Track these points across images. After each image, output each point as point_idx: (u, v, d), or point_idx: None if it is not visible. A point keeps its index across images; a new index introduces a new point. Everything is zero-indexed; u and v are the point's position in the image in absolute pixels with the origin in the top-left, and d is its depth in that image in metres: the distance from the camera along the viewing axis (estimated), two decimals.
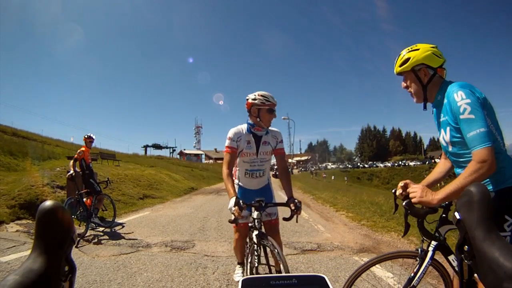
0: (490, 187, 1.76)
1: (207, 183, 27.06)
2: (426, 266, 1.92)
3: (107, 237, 6.04)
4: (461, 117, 1.64)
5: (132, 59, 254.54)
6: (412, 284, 1.91)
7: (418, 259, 1.95)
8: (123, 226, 7.13)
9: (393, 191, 2.04)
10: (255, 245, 2.46)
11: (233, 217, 2.36)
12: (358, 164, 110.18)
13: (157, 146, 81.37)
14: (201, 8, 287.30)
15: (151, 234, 6.34)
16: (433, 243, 1.94)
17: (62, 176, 10.48)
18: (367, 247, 5.08)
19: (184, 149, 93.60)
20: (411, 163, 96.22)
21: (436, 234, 1.95)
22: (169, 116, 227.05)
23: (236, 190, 2.81)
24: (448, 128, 1.79)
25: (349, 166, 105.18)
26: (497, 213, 1.72)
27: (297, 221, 2.62)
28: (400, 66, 1.92)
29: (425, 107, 1.95)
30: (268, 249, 2.56)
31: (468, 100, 1.63)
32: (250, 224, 2.70)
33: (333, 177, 57.98)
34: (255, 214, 2.55)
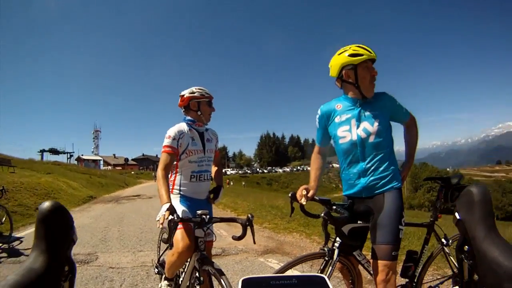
0: (394, 184, 2.02)
1: (106, 191, 25.54)
2: (334, 263, 1.98)
3: (5, 255, 5.37)
4: (396, 104, 2.11)
5: (22, 57, 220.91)
6: None
7: (326, 258, 2.00)
8: (21, 241, 6.38)
9: (289, 194, 2.09)
10: (197, 272, 2.09)
11: (167, 234, 1.89)
12: (258, 169, 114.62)
13: (54, 151, 75.21)
14: None
15: None
16: (338, 241, 2.00)
17: None
18: (271, 249, 5.20)
19: (82, 155, 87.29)
20: (310, 168, 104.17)
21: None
22: (66, 118, 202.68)
23: (178, 203, 2.45)
24: (377, 120, 2.00)
25: (248, 171, 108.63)
26: (401, 208, 1.99)
27: (254, 242, 2.13)
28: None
29: (364, 98, 2.08)
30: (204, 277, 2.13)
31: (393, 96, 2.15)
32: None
33: (231, 183, 58.87)
34: (197, 232, 2.15)
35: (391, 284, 1.87)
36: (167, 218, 1.92)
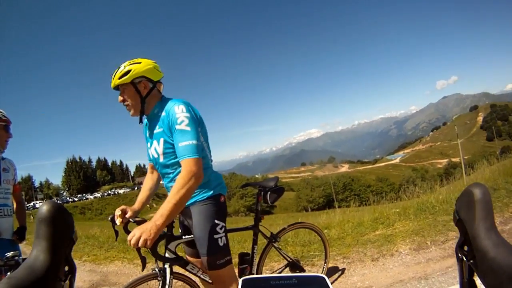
0: (199, 197, 1.92)
1: None
2: (170, 282, 1.93)
3: None
4: (177, 127, 1.74)
5: None
6: None
7: (159, 278, 1.93)
8: None
9: (109, 218, 2.00)
10: None
11: None
12: (68, 198, 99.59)
13: None
14: None
15: None
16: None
17: None
18: (97, 282, 4.75)
19: None
20: (121, 191, 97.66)
21: (167, 252, 1.98)
22: None
23: None
24: (162, 139, 1.86)
25: (59, 201, 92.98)
26: (211, 217, 1.92)
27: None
28: (120, 78, 1.84)
29: (141, 121, 1.96)
30: None
31: (187, 114, 1.77)
32: None
33: None
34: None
35: None
36: None
